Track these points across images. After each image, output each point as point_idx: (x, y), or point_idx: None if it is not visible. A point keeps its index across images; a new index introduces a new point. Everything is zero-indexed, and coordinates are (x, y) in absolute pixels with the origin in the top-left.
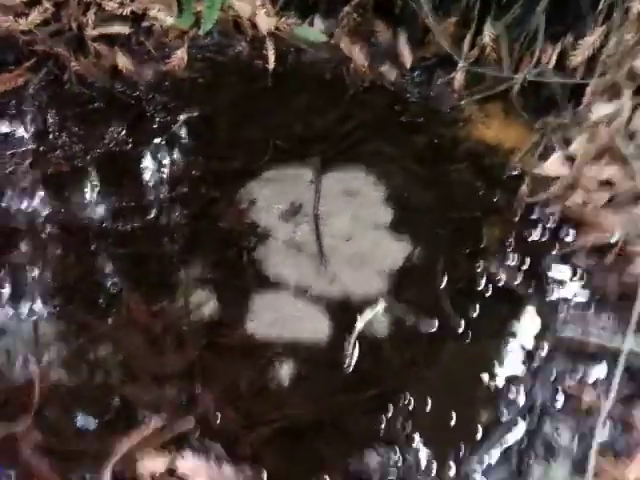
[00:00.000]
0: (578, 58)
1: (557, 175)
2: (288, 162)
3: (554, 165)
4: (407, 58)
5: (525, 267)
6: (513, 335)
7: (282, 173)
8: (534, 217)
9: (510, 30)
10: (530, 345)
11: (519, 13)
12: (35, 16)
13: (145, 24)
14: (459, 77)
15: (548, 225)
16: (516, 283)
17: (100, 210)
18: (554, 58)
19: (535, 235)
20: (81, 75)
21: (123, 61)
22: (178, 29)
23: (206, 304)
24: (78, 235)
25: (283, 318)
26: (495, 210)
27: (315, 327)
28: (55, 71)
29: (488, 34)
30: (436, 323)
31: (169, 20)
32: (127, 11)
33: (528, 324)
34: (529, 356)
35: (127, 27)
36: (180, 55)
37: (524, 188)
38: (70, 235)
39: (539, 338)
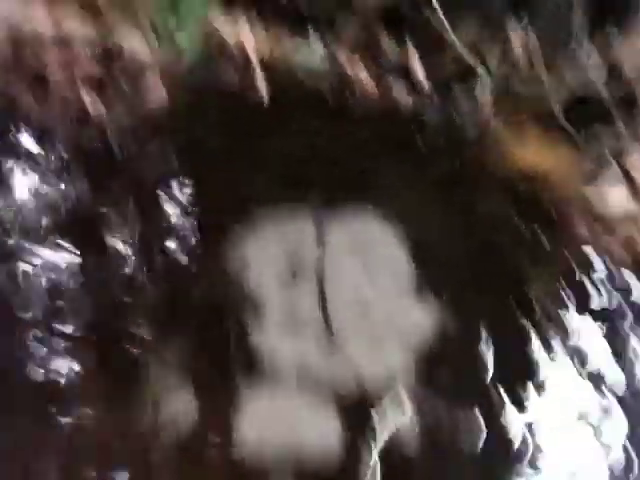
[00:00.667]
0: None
1: (622, 211)
2: (285, 207)
3: (617, 200)
4: (422, 77)
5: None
6: None
7: (278, 222)
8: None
9: (544, 37)
10: None
11: (552, 14)
12: None
13: (119, 63)
14: (487, 96)
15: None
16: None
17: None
18: (604, 70)
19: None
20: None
21: (93, 105)
22: (156, 63)
23: (182, 414)
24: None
25: (281, 421)
26: (542, 257)
27: (322, 431)
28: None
29: (519, 43)
30: (484, 432)
31: (146, 53)
32: (98, 49)
33: None
34: None
35: (98, 67)
36: (159, 93)
37: (581, 231)
38: None
39: None
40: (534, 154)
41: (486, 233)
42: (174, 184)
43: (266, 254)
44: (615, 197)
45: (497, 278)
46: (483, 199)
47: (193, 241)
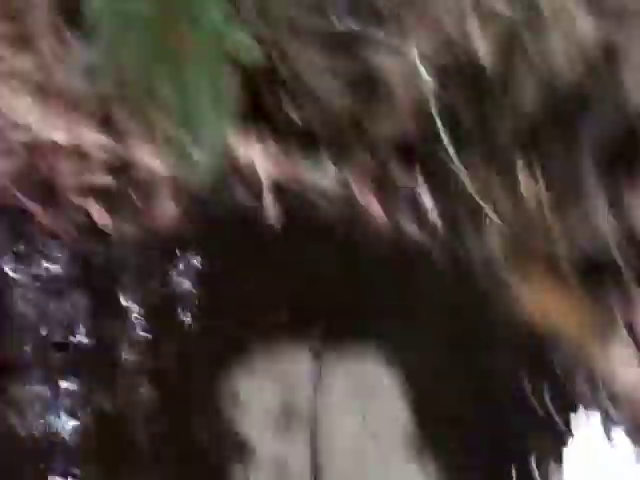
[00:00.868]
0: None
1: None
2: (285, 341)
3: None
4: (432, 212)
5: None
6: None
7: (274, 358)
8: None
9: (554, 183)
10: None
11: (564, 155)
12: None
13: (130, 173)
14: (495, 238)
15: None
16: None
17: None
18: (617, 231)
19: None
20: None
21: (101, 216)
22: (168, 179)
23: None
24: None
25: None
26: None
27: None
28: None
29: (529, 191)
30: None
31: (159, 167)
32: (110, 158)
33: None
34: None
35: (109, 177)
36: (169, 209)
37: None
38: None
39: None
40: (544, 304)
41: (492, 391)
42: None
43: (260, 393)
44: (623, 360)
45: (499, 444)
46: (490, 352)
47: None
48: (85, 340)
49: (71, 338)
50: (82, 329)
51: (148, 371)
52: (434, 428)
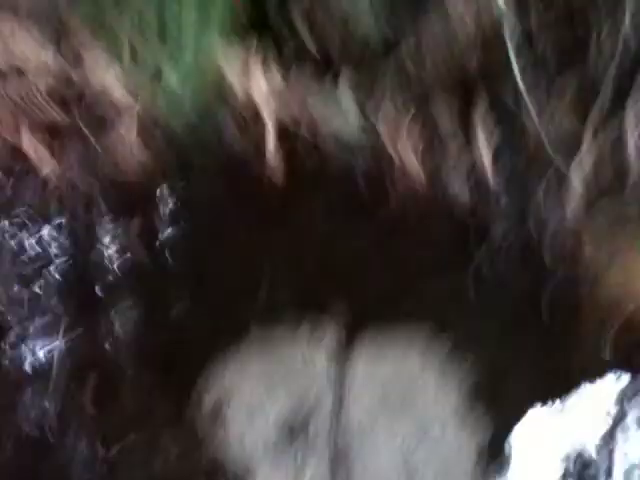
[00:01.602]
0: None
1: None
2: (288, 329)
3: None
4: (490, 169)
5: None
6: None
7: (276, 351)
8: None
9: None
10: None
11: None
12: None
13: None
14: (577, 202)
15: None
16: None
17: None
18: None
19: None
20: None
21: (44, 158)
22: (136, 112)
23: None
24: None
25: None
26: None
27: None
28: None
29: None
30: None
31: (123, 97)
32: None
33: None
34: None
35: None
36: (136, 151)
37: None
38: None
39: None
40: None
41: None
42: None
43: (257, 394)
44: None
45: None
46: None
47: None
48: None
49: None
50: None
51: None
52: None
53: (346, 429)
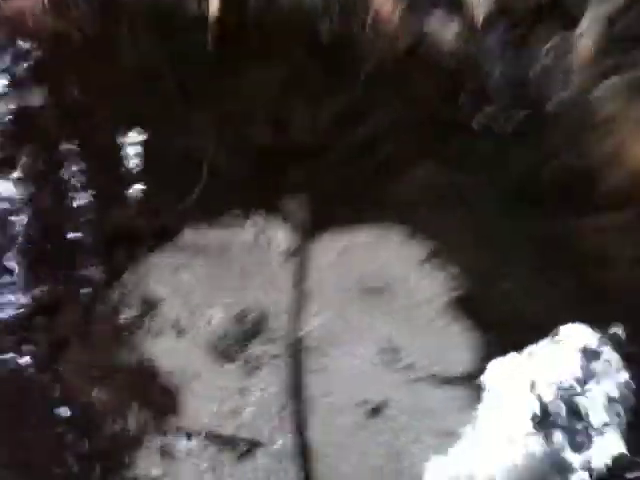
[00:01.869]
0: None
1: None
2: (237, 203)
3: None
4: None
5: None
6: None
7: (223, 232)
8: None
9: None
10: None
11: None
12: None
13: None
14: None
15: None
16: None
17: None
18: None
19: None
20: None
21: None
22: None
23: None
24: None
25: None
26: None
27: None
28: None
29: None
30: None
31: None
32: None
33: None
34: None
35: None
36: None
37: None
38: None
39: None
40: None
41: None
42: None
43: (197, 290)
44: None
45: None
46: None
47: None
48: None
49: None
50: None
51: None
52: None
53: (311, 325)
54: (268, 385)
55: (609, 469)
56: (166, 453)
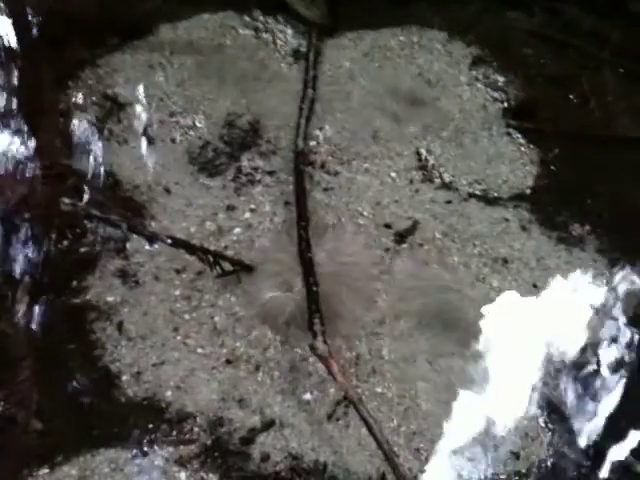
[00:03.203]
0: None
1: None
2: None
3: None
4: None
5: None
6: None
7: (214, 29)
8: None
9: None
10: None
11: None
12: None
13: None
14: None
15: None
16: None
17: None
18: None
19: None
20: None
21: None
22: None
23: None
24: None
25: None
26: None
27: None
28: None
29: None
30: None
31: None
32: None
33: None
34: None
35: None
36: None
37: None
38: None
39: None
40: None
41: None
42: None
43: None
44: None
45: None
46: None
47: None
48: None
49: None
50: None
51: None
52: None
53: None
54: (259, 204)
55: None
56: (127, 275)
